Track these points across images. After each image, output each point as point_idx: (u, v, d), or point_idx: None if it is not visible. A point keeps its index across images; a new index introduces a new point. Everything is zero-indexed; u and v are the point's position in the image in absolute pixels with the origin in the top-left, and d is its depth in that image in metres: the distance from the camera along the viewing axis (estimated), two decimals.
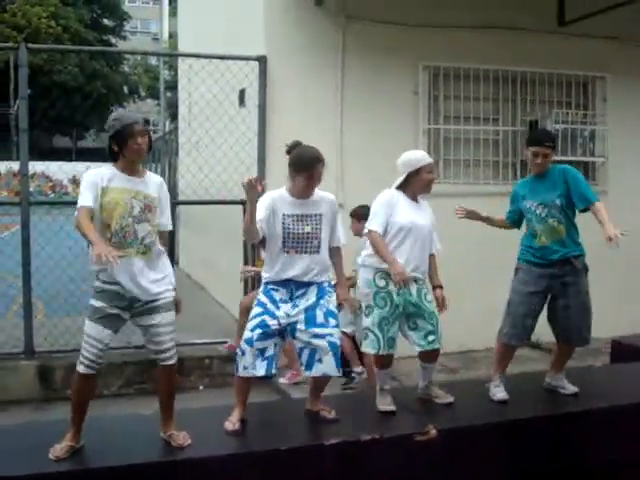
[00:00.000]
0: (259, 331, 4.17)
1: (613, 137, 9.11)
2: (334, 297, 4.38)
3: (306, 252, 4.25)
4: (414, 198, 4.70)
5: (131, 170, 3.90)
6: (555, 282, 4.82)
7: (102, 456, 3.88)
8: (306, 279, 4.27)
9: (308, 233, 4.25)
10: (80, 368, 3.84)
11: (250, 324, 4.22)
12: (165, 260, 4.07)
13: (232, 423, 4.25)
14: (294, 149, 4.31)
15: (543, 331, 5.12)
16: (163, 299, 3.95)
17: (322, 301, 4.28)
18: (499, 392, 4.82)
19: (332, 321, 4.28)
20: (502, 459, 4.42)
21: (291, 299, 4.27)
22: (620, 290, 8.89)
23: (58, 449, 3.81)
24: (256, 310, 4.26)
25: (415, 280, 4.59)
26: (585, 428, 4.60)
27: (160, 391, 4.09)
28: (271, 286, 4.30)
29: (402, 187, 4.68)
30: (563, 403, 4.84)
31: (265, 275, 4.37)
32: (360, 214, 6.75)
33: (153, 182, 4.00)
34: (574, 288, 4.83)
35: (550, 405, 4.87)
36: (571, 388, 4.94)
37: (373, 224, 4.56)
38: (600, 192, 9.03)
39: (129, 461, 3.80)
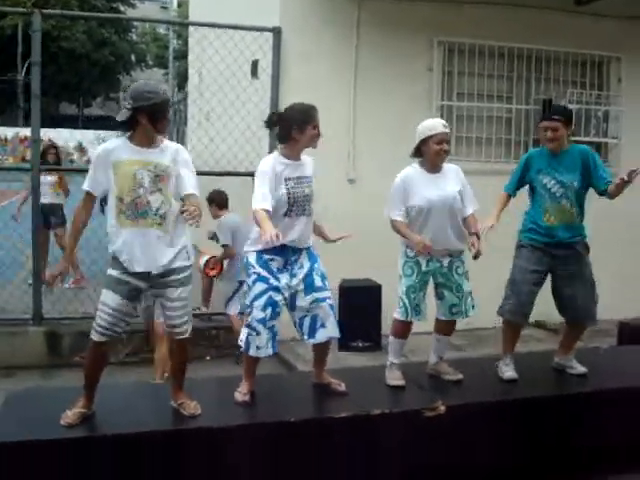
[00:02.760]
0: (270, 310, 4.15)
1: (627, 118, 9.05)
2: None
3: (304, 214, 4.27)
4: (433, 169, 4.64)
5: (147, 142, 3.85)
6: (558, 262, 4.80)
7: (114, 423, 3.90)
8: (299, 244, 4.28)
9: (307, 195, 4.26)
10: (93, 335, 3.84)
11: (258, 302, 4.15)
12: (181, 231, 3.94)
13: (242, 394, 4.26)
14: (280, 115, 4.37)
15: (548, 311, 5.11)
16: (178, 274, 3.90)
17: (316, 265, 4.34)
18: (508, 371, 4.82)
19: (327, 284, 4.35)
20: (511, 437, 4.44)
21: (285, 266, 4.26)
22: (626, 272, 8.89)
23: (70, 415, 3.81)
24: (260, 287, 4.18)
25: (450, 254, 4.61)
26: (594, 408, 4.61)
27: (172, 362, 4.12)
28: (266, 256, 4.23)
29: (420, 157, 4.67)
30: (572, 383, 4.84)
31: (255, 245, 4.28)
32: (220, 201, 7.52)
33: (169, 150, 3.91)
34: (577, 269, 4.82)
35: (559, 385, 4.88)
36: (580, 368, 4.94)
37: (392, 213, 4.59)
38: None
39: (141, 429, 3.81)
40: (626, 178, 4.44)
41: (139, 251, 3.79)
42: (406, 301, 4.58)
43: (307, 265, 4.30)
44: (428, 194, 4.54)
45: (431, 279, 4.65)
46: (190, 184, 3.87)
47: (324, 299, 4.27)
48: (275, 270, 4.23)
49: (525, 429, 4.48)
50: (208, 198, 7.45)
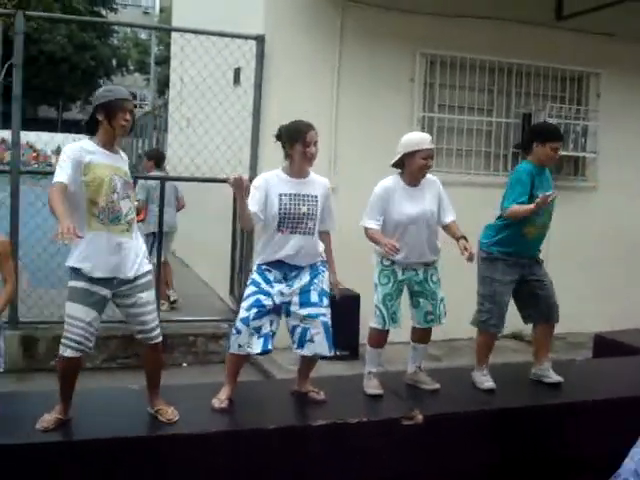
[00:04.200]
0: (254, 310, 4.17)
1: (604, 133, 9.15)
2: (327, 276, 4.39)
3: (299, 233, 4.24)
4: (413, 182, 4.66)
5: (110, 145, 3.87)
6: (528, 270, 4.95)
7: (90, 429, 3.88)
8: (298, 261, 4.26)
9: (304, 213, 4.23)
10: (64, 351, 3.73)
11: (245, 303, 4.22)
12: (140, 238, 4.03)
13: (220, 400, 4.25)
14: (278, 131, 4.33)
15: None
16: (145, 277, 3.92)
17: (316, 280, 4.30)
18: (486, 381, 4.85)
19: (325, 301, 4.30)
20: (487, 446, 4.46)
21: (285, 279, 4.27)
22: (601, 286, 8.97)
23: (46, 420, 3.78)
24: (250, 289, 4.25)
25: (425, 264, 4.65)
26: (570, 420, 4.65)
27: (147, 368, 4.07)
28: (264, 267, 4.29)
29: (401, 169, 4.68)
30: (548, 395, 4.87)
31: (258, 257, 4.37)
32: (157, 159, 8.94)
33: (125, 158, 4.02)
34: (543, 272, 5.03)
35: (535, 396, 4.90)
36: (556, 377, 4.98)
37: (368, 221, 4.59)
38: (590, 187, 9.18)
39: (118, 434, 3.79)
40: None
41: (105, 257, 3.76)
42: (383, 309, 4.60)
43: (306, 279, 4.27)
44: (407, 210, 4.58)
45: (406, 288, 4.68)
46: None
47: (317, 315, 4.23)
48: (271, 279, 4.25)
49: (502, 438, 4.51)
50: (148, 154, 9.30)
